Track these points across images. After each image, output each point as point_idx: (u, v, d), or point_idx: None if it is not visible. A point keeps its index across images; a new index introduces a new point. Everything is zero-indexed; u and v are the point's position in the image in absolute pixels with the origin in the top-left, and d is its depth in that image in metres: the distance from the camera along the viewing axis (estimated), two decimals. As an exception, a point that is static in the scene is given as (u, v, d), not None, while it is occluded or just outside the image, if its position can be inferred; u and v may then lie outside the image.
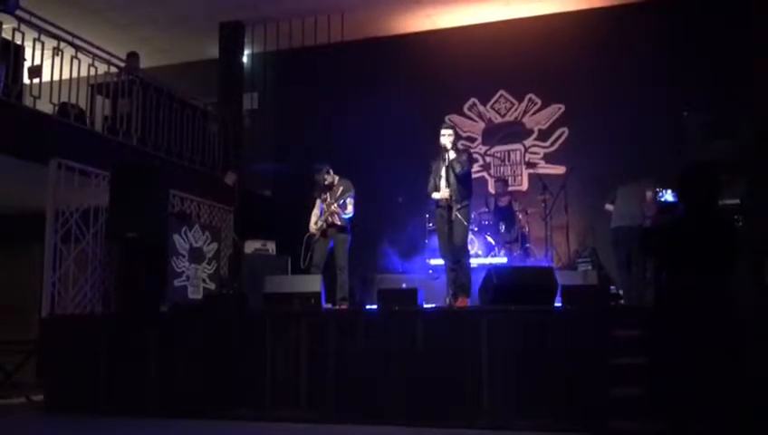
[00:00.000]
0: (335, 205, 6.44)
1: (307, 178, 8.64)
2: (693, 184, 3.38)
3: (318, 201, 6.76)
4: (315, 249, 6.59)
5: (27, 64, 6.85)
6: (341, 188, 6.57)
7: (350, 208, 6.50)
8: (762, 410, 3.59)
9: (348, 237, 6.61)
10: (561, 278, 5.44)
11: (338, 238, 6.58)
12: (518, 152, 9.23)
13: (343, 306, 6.46)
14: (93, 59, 7.36)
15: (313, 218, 6.72)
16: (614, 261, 6.66)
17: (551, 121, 9.11)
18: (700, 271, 3.26)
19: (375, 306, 5.63)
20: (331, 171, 6.68)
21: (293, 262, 7.52)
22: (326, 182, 6.64)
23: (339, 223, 6.54)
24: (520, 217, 8.13)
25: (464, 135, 9.15)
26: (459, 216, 5.90)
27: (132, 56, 8.53)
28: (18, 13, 6.51)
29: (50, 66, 6.86)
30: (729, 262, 3.33)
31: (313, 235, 6.60)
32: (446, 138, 6.01)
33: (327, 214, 6.52)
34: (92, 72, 7.41)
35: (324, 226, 6.56)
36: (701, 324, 3.17)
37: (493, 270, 5.57)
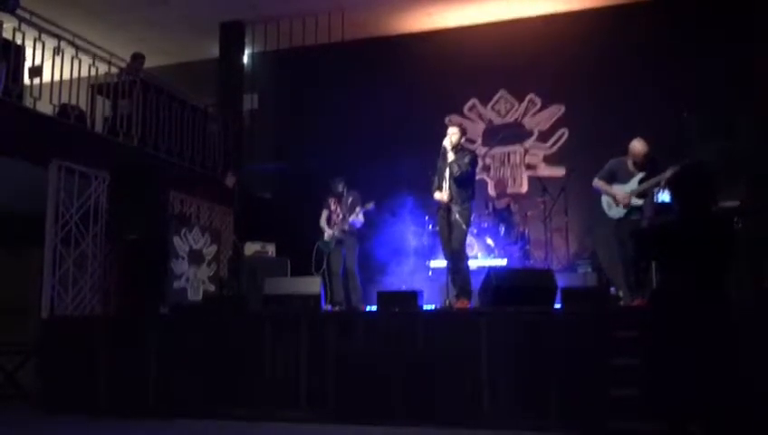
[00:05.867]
0: (354, 214, 6.97)
1: (307, 179, 8.70)
2: (689, 184, 3.38)
3: (325, 211, 7.26)
4: (331, 260, 7.08)
5: (28, 64, 6.85)
6: (351, 199, 7.07)
7: (360, 217, 6.99)
8: (759, 410, 3.59)
9: (356, 244, 7.11)
10: (561, 280, 5.45)
11: (349, 245, 7.04)
12: (518, 154, 9.22)
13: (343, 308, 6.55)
14: (94, 59, 7.36)
15: (325, 225, 7.21)
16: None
17: (551, 122, 9.09)
18: (696, 272, 3.26)
19: (375, 308, 5.63)
20: (343, 182, 7.23)
21: (294, 264, 7.57)
22: (338, 191, 7.19)
23: (347, 229, 7.02)
24: (518, 219, 8.12)
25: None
26: (458, 218, 5.90)
27: (137, 58, 8.54)
28: (18, 12, 6.51)
29: (50, 66, 6.87)
30: (725, 263, 3.32)
31: (327, 241, 7.14)
32: (447, 138, 6.02)
33: (343, 225, 7.05)
34: (93, 72, 7.41)
35: (339, 235, 7.06)
36: (697, 325, 3.17)
37: (492, 272, 5.57)
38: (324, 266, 7.10)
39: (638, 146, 6.10)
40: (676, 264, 3.33)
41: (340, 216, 7.15)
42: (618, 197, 6.09)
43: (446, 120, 8.82)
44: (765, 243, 5.81)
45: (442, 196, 5.95)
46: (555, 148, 9.03)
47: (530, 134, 9.17)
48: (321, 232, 7.25)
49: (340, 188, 7.20)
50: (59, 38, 6.94)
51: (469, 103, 9.48)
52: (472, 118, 9.41)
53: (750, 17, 7.88)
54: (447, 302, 5.94)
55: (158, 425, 5.31)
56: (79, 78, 7.14)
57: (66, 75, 6.96)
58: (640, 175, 6.06)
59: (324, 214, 7.29)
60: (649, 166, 6.07)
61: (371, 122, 9.13)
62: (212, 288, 7.98)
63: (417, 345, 5.07)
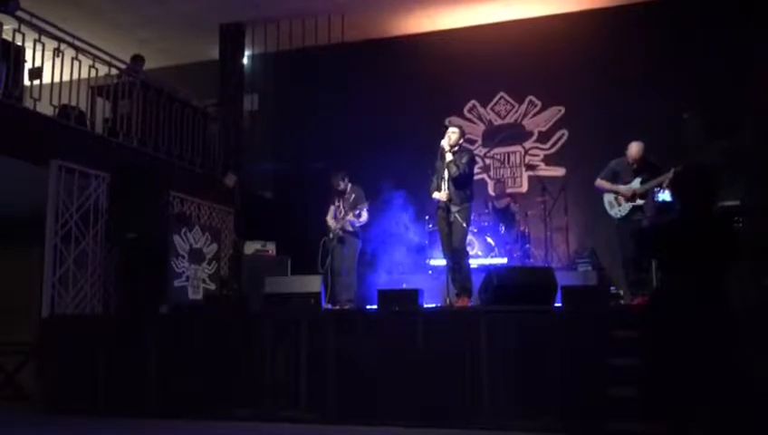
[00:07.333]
0: (351, 214, 6.90)
1: (307, 178, 8.71)
2: (691, 184, 3.38)
3: (332, 206, 7.18)
4: (334, 257, 7.01)
5: (28, 66, 6.86)
6: (353, 196, 7.01)
7: (364, 216, 6.93)
8: (759, 410, 3.59)
9: (358, 242, 7.05)
10: (561, 279, 5.45)
11: (349, 243, 6.99)
12: (518, 154, 9.23)
13: (347, 307, 6.53)
14: (94, 60, 7.37)
15: (330, 222, 7.13)
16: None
17: (551, 123, 9.10)
18: (696, 271, 3.25)
19: (375, 307, 5.63)
20: (346, 179, 7.10)
21: (294, 263, 7.57)
22: (339, 188, 7.06)
23: (351, 229, 6.97)
24: (518, 218, 8.12)
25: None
26: (458, 217, 5.90)
27: (137, 59, 8.55)
28: (19, 14, 6.51)
29: (50, 68, 6.87)
30: (725, 262, 3.32)
31: (330, 238, 7.05)
32: (446, 138, 6.02)
33: (342, 223, 6.98)
34: (93, 73, 7.42)
35: (340, 233, 7.00)
36: (697, 325, 3.17)
37: (493, 270, 5.57)
38: (328, 264, 7.04)
39: (633, 149, 6.17)
40: (677, 263, 3.32)
41: (343, 212, 7.07)
42: (622, 194, 6.12)
43: (446, 121, 8.82)
44: (766, 242, 5.81)
45: (441, 196, 5.96)
46: (555, 148, 9.04)
47: (530, 135, 9.18)
48: (327, 229, 7.16)
49: (342, 184, 7.08)
50: (59, 40, 6.94)
51: (469, 105, 9.49)
52: (472, 119, 9.42)
53: (750, 17, 7.88)
54: (448, 300, 5.94)
55: (158, 425, 5.30)
56: (79, 79, 7.15)
57: (66, 77, 6.97)
58: (642, 175, 6.10)
59: (331, 210, 7.19)
60: (645, 169, 6.11)
61: (371, 123, 9.14)
62: (212, 287, 7.98)
63: (417, 344, 5.06)
